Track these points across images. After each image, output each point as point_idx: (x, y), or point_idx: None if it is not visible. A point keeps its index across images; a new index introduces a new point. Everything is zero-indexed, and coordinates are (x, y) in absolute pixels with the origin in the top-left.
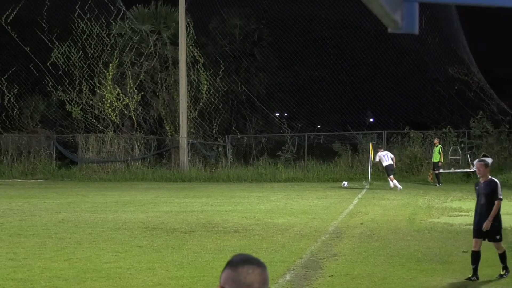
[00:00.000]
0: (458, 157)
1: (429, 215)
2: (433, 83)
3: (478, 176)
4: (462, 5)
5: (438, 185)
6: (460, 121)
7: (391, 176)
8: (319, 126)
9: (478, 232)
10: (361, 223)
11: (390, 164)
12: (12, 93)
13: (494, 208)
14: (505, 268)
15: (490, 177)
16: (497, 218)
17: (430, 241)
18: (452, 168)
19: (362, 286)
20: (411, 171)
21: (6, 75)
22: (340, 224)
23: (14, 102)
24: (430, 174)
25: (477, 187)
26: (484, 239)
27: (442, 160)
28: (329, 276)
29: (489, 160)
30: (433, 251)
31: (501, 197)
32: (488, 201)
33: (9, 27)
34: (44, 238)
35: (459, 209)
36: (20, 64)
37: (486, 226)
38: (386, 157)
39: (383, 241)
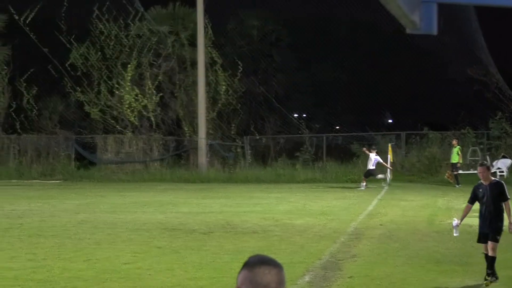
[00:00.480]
0: (477, 158)
1: (448, 216)
2: (451, 83)
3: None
4: (480, 6)
5: (457, 186)
6: (479, 122)
7: (365, 179)
8: (337, 127)
9: (484, 236)
10: (380, 224)
11: (374, 170)
12: (31, 94)
13: (509, 209)
14: (492, 274)
15: (493, 178)
16: (501, 219)
17: (450, 242)
18: (471, 169)
19: (381, 287)
20: (430, 172)
21: (25, 76)
22: (359, 225)
23: (33, 103)
24: (448, 174)
25: (480, 189)
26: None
27: (461, 161)
28: (348, 277)
29: (509, 161)
30: (453, 252)
31: (509, 197)
32: (495, 202)
33: (27, 28)
34: (63, 238)
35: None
36: (39, 65)
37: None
38: (375, 161)
39: (402, 242)
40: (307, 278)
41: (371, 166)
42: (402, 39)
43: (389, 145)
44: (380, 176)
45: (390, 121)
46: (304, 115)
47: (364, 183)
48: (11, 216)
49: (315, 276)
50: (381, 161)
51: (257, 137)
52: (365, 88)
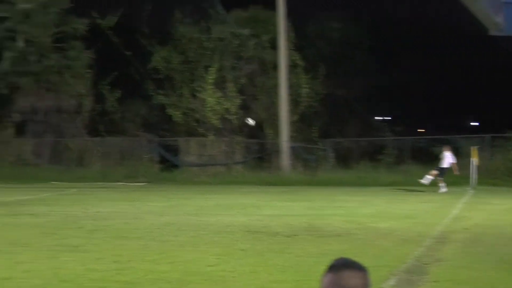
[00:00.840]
0: None
1: None
2: None
3: None
4: None
5: None
6: None
7: (442, 179)
8: (421, 130)
9: None
10: (466, 228)
11: (446, 169)
12: (114, 97)
13: None
14: None
15: None
16: None
17: None
18: None
19: None
20: None
21: (108, 80)
22: (444, 228)
23: (117, 106)
24: None
25: None
26: None
27: None
28: (433, 282)
29: None
30: None
31: None
32: None
33: (111, 32)
34: (147, 240)
35: None
36: (121, 68)
37: None
38: (449, 160)
39: (488, 247)
40: (391, 282)
41: (444, 165)
42: (486, 41)
43: (473, 148)
44: None
45: (474, 123)
46: (386, 118)
47: (443, 184)
48: (96, 218)
49: (400, 280)
50: (454, 161)
51: (339, 140)
52: (448, 90)
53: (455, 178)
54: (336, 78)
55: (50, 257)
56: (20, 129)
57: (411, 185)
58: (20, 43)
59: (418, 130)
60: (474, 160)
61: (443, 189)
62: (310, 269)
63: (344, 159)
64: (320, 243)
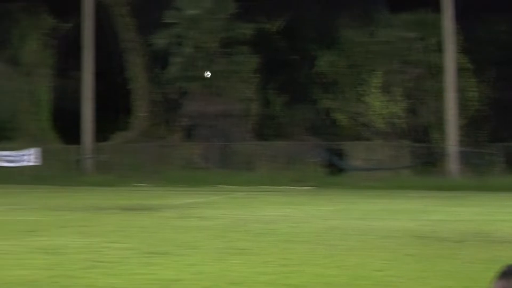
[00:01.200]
0: None
1: None
2: None
3: None
4: None
5: None
6: None
7: None
8: None
9: None
10: None
11: None
12: (281, 102)
13: None
14: None
15: None
16: None
17: None
18: None
19: None
20: None
21: (275, 84)
22: None
23: (283, 110)
24: None
25: None
26: None
27: None
28: None
29: None
30: None
31: None
32: None
33: (277, 37)
34: (314, 244)
35: None
36: (287, 72)
37: None
38: None
39: None
40: None
41: None
42: None
43: None
44: None
45: None
46: None
47: None
48: (263, 221)
49: None
50: None
51: (510, 144)
52: None
53: None
54: (506, 81)
55: (218, 260)
56: (188, 133)
57: None
58: (188, 49)
59: None
60: None
61: None
62: (480, 276)
63: None
64: (490, 249)
